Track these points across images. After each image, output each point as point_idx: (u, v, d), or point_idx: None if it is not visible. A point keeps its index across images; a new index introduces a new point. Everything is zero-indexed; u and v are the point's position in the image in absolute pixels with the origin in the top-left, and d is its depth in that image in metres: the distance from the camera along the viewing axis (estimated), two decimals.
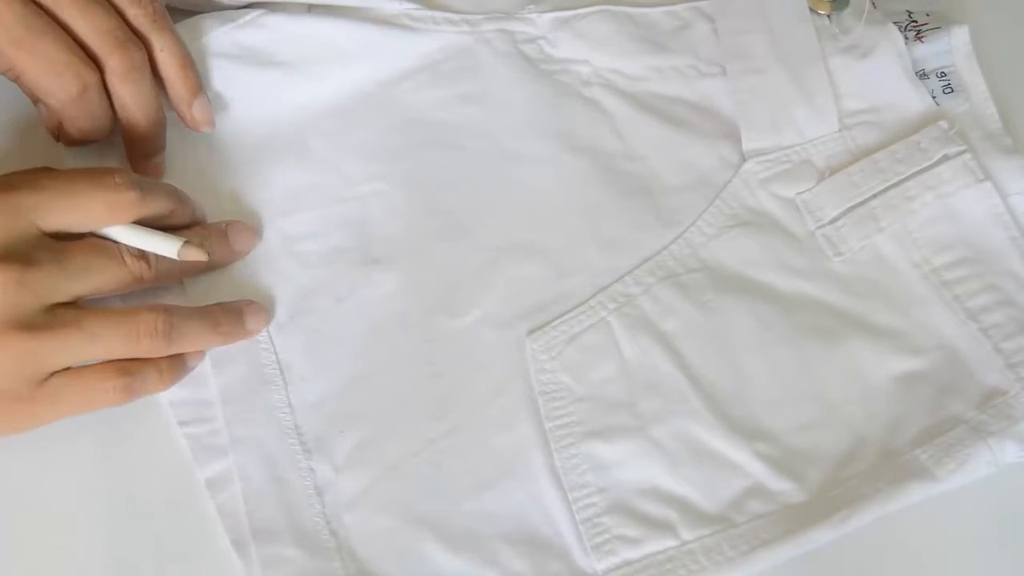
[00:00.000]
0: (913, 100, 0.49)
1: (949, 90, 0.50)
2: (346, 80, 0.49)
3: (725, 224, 0.48)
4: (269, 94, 0.49)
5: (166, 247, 0.42)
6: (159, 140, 0.46)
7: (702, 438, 0.43)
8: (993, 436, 0.43)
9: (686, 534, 0.42)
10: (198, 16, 0.49)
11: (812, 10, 0.51)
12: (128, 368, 0.41)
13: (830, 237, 0.48)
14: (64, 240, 0.40)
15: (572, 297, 0.46)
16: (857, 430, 0.44)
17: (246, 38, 0.48)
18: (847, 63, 0.50)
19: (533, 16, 0.51)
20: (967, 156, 0.48)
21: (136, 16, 0.44)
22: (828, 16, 0.51)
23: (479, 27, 0.51)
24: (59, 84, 0.42)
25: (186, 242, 0.42)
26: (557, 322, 0.45)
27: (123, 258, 0.41)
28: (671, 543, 0.42)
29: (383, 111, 0.49)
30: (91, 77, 0.43)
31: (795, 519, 0.42)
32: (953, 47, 0.50)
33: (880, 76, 0.49)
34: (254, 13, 0.49)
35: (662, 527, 0.42)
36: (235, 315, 0.44)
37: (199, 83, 0.47)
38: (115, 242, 0.41)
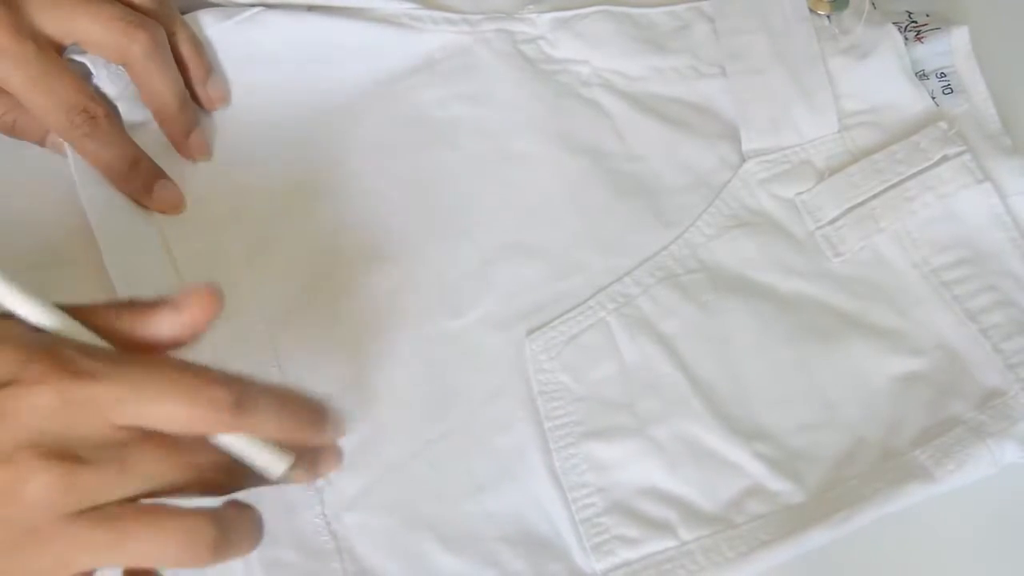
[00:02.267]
0: (913, 101, 0.49)
1: (949, 91, 0.50)
2: (345, 78, 0.49)
3: (725, 224, 0.48)
4: (267, 92, 0.49)
5: (270, 462, 0.33)
6: (192, 116, 0.47)
7: (701, 438, 0.43)
8: (992, 437, 0.43)
9: (685, 534, 0.42)
10: (196, 11, 0.49)
11: (812, 10, 0.51)
12: None
13: (829, 237, 0.48)
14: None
15: (571, 297, 0.46)
16: (856, 430, 0.44)
17: (244, 35, 0.48)
18: (847, 63, 0.50)
19: (532, 16, 0.51)
20: (967, 157, 0.48)
21: (143, 2, 0.45)
22: (828, 16, 0.51)
23: (478, 27, 0.51)
24: (72, 119, 0.43)
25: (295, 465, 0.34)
26: (556, 322, 0.45)
27: (200, 465, 0.34)
28: (670, 543, 0.42)
29: (382, 110, 0.49)
30: (101, 110, 0.44)
31: (794, 519, 0.42)
32: (953, 48, 0.50)
33: (880, 77, 0.49)
34: (253, 10, 0.49)
35: (661, 527, 0.42)
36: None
37: (210, 62, 0.47)
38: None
